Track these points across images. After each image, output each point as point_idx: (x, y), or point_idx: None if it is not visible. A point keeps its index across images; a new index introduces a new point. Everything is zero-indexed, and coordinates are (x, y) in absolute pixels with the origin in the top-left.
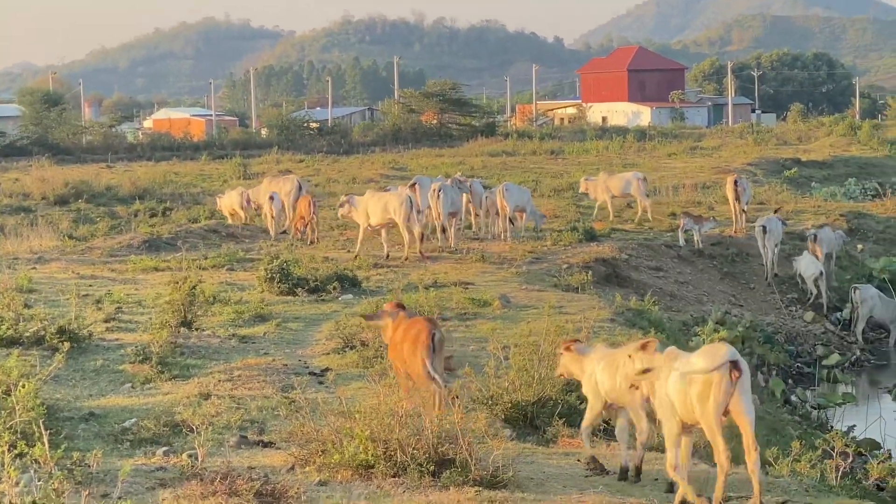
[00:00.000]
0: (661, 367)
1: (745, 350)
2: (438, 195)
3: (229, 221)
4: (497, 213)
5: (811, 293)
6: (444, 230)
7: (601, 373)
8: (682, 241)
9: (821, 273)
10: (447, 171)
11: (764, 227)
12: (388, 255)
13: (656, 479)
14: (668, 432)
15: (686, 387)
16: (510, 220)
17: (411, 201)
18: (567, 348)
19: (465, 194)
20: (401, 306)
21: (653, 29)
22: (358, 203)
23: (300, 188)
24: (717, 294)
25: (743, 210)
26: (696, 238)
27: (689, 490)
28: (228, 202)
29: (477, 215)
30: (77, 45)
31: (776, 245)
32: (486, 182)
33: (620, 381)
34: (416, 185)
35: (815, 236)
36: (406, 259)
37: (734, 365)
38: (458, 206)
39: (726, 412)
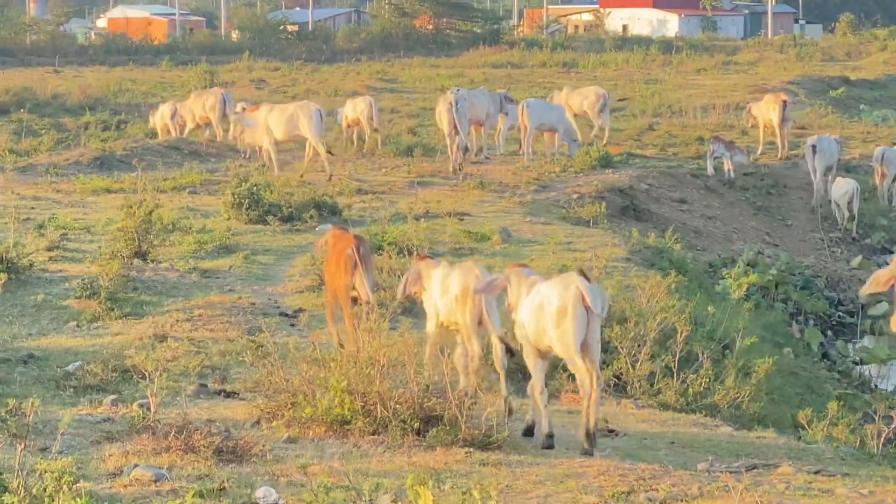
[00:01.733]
0: (514, 290)
1: (778, 296)
2: (456, 107)
3: (160, 137)
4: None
5: (844, 217)
6: (465, 149)
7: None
8: (710, 170)
9: (854, 192)
10: (442, 83)
11: (814, 147)
12: (330, 177)
13: (672, 443)
14: (526, 357)
15: (540, 314)
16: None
17: (321, 114)
18: (422, 258)
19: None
20: (341, 228)
21: None
22: (256, 120)
23: (225, 103)
24: (749, 231)
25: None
26: (726, 166)
27: (543, 414)
28: (160, 117)
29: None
30: None
31: (829, 169)
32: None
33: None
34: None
35: (882, 156)
36: (330, 178)
37: (587, 292)
38: (479, 117)
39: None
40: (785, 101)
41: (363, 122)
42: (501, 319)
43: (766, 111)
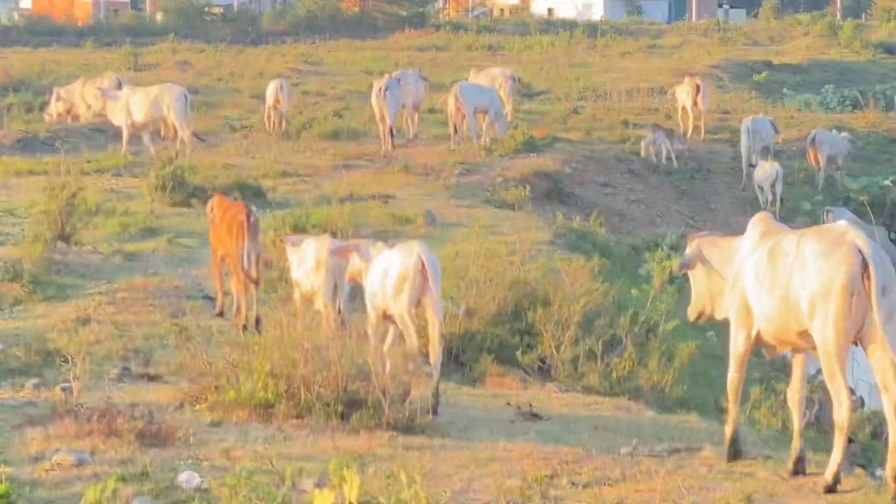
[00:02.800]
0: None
1: None
2: (385, 93)
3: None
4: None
5: (767, 201)
6: (391, 132)
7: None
8: (648, 155)
9: (777, 175)
10: (368, 65)
11: (748, 127)
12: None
13: (595, 427)
14: (370, 321)
15: (384, 280)
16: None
17: (186, 97)
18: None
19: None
20: (222, 194)
21: None
22: (120, 97)
23: (120, 87)
24: (673, 215)
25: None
26: (664, 153)
27: (386, 379)
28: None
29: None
30: None
31: (766, 150)
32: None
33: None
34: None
35: (814, 139)
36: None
37: (425, 263)
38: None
39: (418, 304)
40: (698, 85)
41: (271, 104)
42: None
43: (682, 94)
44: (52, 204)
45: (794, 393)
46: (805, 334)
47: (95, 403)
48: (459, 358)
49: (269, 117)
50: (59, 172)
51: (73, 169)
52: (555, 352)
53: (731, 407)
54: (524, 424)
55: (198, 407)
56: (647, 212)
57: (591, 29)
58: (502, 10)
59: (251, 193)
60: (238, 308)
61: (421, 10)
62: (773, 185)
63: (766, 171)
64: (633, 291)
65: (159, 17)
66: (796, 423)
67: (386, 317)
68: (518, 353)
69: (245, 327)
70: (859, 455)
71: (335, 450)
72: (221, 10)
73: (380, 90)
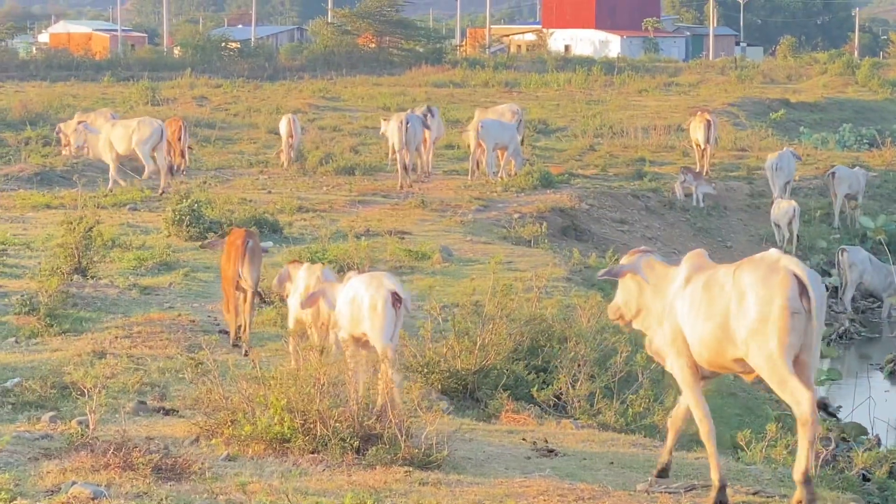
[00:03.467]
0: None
1: None
2: (406, 127)
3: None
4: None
5: (784, 238)
6: (405, 167)
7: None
8: (679, 195)
9: (794, 213)
10: (384, 101)
11: (775, 163)
12: (161, 193)
13: (611, 463)
14: (344, 344)
15: (355, 309)
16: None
17: (162, 131)
18: (292, 261)
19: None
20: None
21: None
22: (100, 130)
23: None
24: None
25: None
26: (696, 196)
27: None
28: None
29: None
30: None
31: (787, 184)
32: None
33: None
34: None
35: (834, 174)
36: (162, 193)
37: (395, 295)
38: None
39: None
40: (709, 121)
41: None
42: None
43: (693, 130)
44: (69, 237)
45: (705, 422)
46: (741, 361)
47: (111, 437)
48: (475, 394)
49: (283, 153)
50: (76, 206)
51: (89, 203)
52: (571, 388)
53: (708, 445)
54: (540, 461)
55: (213, 441)
56: (664, 249)
57: (608, 66)
58: (519, 46)
59: (268, 229)
60: (229, 327)
61: (438, 46)
62: (789, 223)
63: (782, 208)
64: None
65: (177, 51)
66: (714, 452)
67: (357, 340)
68: (534, 389)
69: (237, 345)
70: (876, 494)
71: (351, 485)
72: (238, 45)
73: (401, 123)
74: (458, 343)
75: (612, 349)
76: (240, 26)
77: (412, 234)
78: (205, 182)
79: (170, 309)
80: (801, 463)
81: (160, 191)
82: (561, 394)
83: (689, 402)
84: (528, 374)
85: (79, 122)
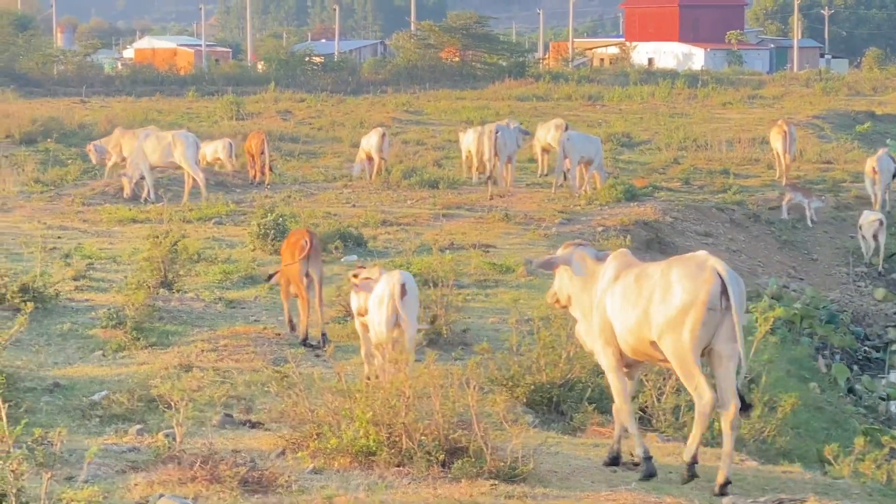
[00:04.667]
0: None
1: (804, 330)
2: (496, 137)
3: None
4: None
5: (870, 249)
6: (491, 178)
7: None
8: (786, 213)
9: (881, 223)
10: (468, 115)
11: (875, 166)
12: (146, 200)
13: (697, 477)
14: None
15: (376, 304)
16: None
17: (197, 144)
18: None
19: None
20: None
21: None
22: (108, 146)
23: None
24: (774, 265)
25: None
26: (809, 214)
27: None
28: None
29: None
30: None
31: (886, 186)
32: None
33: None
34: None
35: None
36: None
37: (403, 287)
38: (512, 150)
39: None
40: (786, 130)
41: (374, 153)
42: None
43: (773, 140)
44: (155, 251)
45: (624, 406)
46: (656, 345)
47: (198, 450)
48: (560, 407)
49: (368, 166)
50: (162, 220)
51: (175, 217)
52: (656, 401)
53: (629, 424)
54: (625, 474)
55: (299, 454)
56: (748, 262)
57: (692, 79)
58: (602, 59)
59: (352, 242)
60: (299, 323)
61: (521, 59)
62: (875, 235)
63: (869, 220)
64: None
65: (260, 66)
66: (634, 431)
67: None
68: None
69: (305, 343)
70: None
71: (436, 498)
72: (322, 60)
73: (490, 134)
74: (544, 356)
75: None
76: (323, 41)
77: (496, 247)
78: (289, 196)
79: (255, 322)
80: (692, 448)
81: (188, 202)
82: (646, 407)
83: (612, 385)
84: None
85: (91, 144)
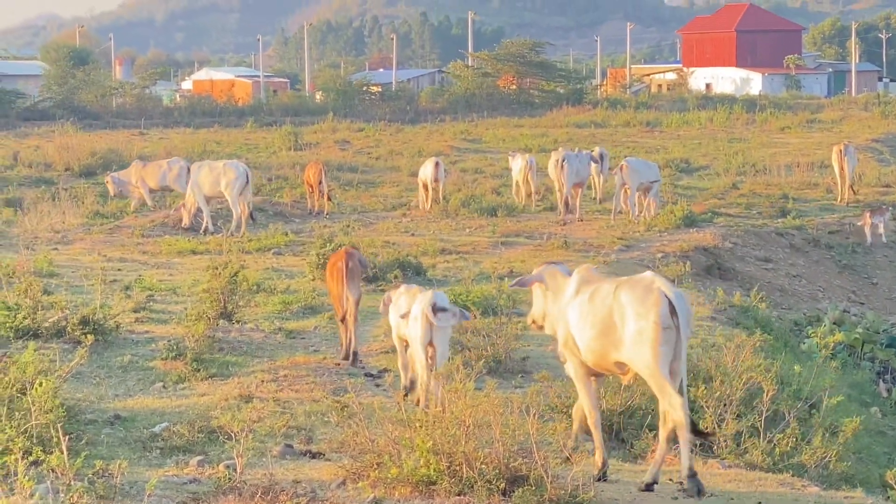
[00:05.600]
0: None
1: (865, 354)
2: (563, 165)
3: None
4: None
5: None
6: (567, 204)
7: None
8: (869, 239)
9: None
10: (526, 143)
11: None
12: (206, 231)
13: (759, 503)
14: (399, 354)
15: (411, 321)
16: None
17: (247, 175)
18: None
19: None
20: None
21: None
22: (128, 178)
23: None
24: (835, 289)
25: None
26: (881, 232)
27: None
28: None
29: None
30: None
31: None
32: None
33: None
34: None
35: None
36: (234, 234)
37: (434, 308)
38: (583, 177)
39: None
40: (842, 151)
41: (429, 183)
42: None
43: (832, 161)
44: (215, 282)
45: (592, 413)
46: (620, 363)
47: (259, 480)
48: (620, 434)
49: (424, 195)
50: (221, 251)
51: (234, 248)
52: (717, 427)
53: (595, 433)
54: (687, 501)
55: (360, 484)
56: (809, 286)
57: (750, 104)
58: (660, 85)
59: (411, 271)
60: (343, 345)
61: (578, 86)
62: None
63: None
64: (795, 367)
65: (318, 96)
66: (598, 440)
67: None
68: None
69: (347, 361)
70: None
71: None
72: (380, 89)
73: (557, 161)
74: (603, 384)
75: (758, 388)
76: (381, 70)
77: None
78: (348, 226)
79: (315, 352)
80: (685, 462)
81: (241, 233)
82: (707, 433)
83: (580, 396)
84: None
85: (109, 175)
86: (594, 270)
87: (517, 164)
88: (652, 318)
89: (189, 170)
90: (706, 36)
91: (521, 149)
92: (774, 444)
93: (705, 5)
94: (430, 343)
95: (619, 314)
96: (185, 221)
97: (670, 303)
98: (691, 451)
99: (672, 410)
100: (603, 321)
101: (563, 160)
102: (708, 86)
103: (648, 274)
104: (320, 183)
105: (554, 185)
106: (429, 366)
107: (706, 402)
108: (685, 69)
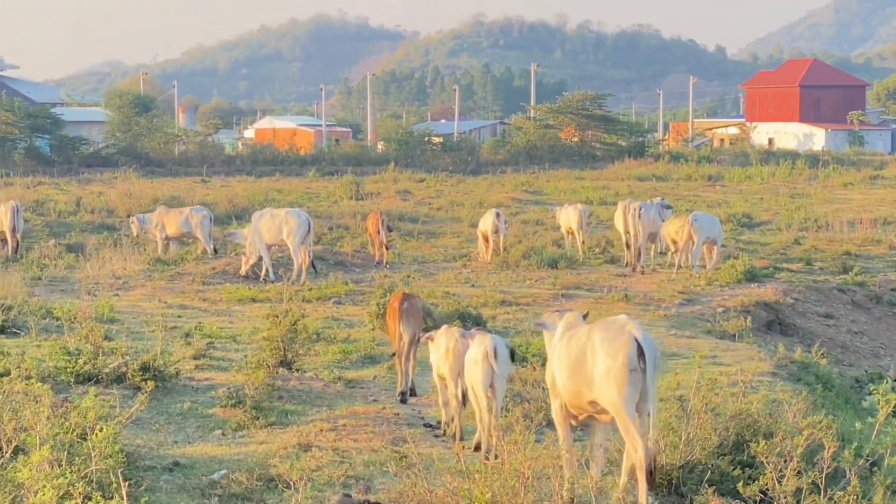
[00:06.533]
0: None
1: None
2: (639, 214)
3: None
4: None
5: None
6: (639, 254)
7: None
8: None
9: None
10: (587, 195)
11: None
12: (266, 279)
13: None
14: (439, 391)
15: (471, 365)
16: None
17: (309, 224)
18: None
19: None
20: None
21: (830, 39)
22: (152, 220)
23: (199, 219)
24: None
25: None
26: None
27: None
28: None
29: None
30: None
31: None
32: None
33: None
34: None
35: None
36: (294, 282)
37: (494, 351)
38: (657, 228)
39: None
40: None
41: (489, 234)
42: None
43: None
44: (275, 330)
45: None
46: (594, 402)
47: None
48: (680, 489)
49: (484, 246)
50: (281, 300)
51: (294, 296)
52: (777, 484)
53: (567, 469)
54: None
55: None
56: (871, 343)
57: (813, 159)
58: (722, 140)
59: (471, 322)
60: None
61: (640, 139)
62: None
63: None
64: (856, 424)
65: (380, 146)
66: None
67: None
68: (739, 485)
69: (403, 398)
70: None
71: None
72: (441, 140)
73: (633, 211)
74: (663, 438)
75: (818, 444)
76: (443, 121)
77: None
78: (408, 276)
79: (374, 402)
80: (641, 501)
81: (301, 281)
82: (767, 489)
83: (559, 435)
84: (734, 469)
85: (135, 216)
86: (580, 317)
87: (567, 213)
88: (619, 359)
89: (211, 219)
90: (770, 91)
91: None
92: (835, 502)
93: (769, 60)
94: (491, 386)
95: (591, 353)
96: (243, 269)
97: (639, 346)
98: (649, 493)
99: (633, 452)
100: (578, 360)
101: (640, 209)
102: (770, 140)
103: (622, 317)
104: (379, 232)
105: (622, 237)
106: (490, 408)
107: (766, 457)
108: (748, 123)
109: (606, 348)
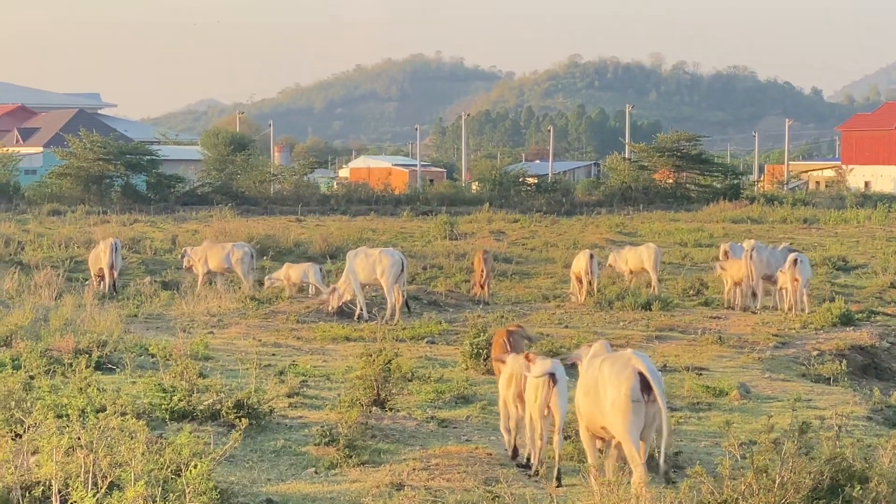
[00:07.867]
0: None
1: None
2: (752, 255)
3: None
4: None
5: None
6: (753, 294)
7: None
8: None
9: None
10: (682, 237)
11: None
12: (360, 318)
13: None
14: (502, 418)
15: (531, 389)
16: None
17: (403, 263)
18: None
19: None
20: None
21: None
22: (194, 255)
23: (252, 257)
24: None
25: None
26: None
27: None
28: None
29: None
30: (268, 81)
31: None
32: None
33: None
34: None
35: None
36: (388, 321)
37: (552, 375)
38: (772, 270)
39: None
40: None
41: (583, 275)
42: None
43: None
44: (369, 369)
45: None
46: (605, 428)
47: None
48: None
49: (578, 287)
50: (375, 339)
51: (388, 335)
52: None
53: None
54: None
55: None
56: None
57: None
58: (818, 182)
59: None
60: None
61: (735, 181)
62: None
63: None
64: None
65: (475, 186)
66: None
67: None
68: None
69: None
70: None
71: None
72: (536, 181)
73: (750, 251)
74: (757, 481)
75: None
76: (537, 162)
77: (709, 370)
78: (502, 316)
79: (467, 442)
80: None
81: (395, 321)
82: None
83: (587, 456)
84: None
85: (183, 254)
86: (607, 346)
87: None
88: (623, 391)
89: (253, 255)
90: (866, 133)
91: (678, 243)
92: None
93: (865, 102)
94: (548, 407)
95: (601, 384)
96: (333, 306)
97: (644, 378)
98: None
99: (635, 477)
100: (593, 388)
101: (753, 250)
102: (867, 183)
103: (629, 351)
104: (483, 271)
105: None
106: (540, 433)
107: (861, 502)
108: (844, 166)
109: (612, 380)
